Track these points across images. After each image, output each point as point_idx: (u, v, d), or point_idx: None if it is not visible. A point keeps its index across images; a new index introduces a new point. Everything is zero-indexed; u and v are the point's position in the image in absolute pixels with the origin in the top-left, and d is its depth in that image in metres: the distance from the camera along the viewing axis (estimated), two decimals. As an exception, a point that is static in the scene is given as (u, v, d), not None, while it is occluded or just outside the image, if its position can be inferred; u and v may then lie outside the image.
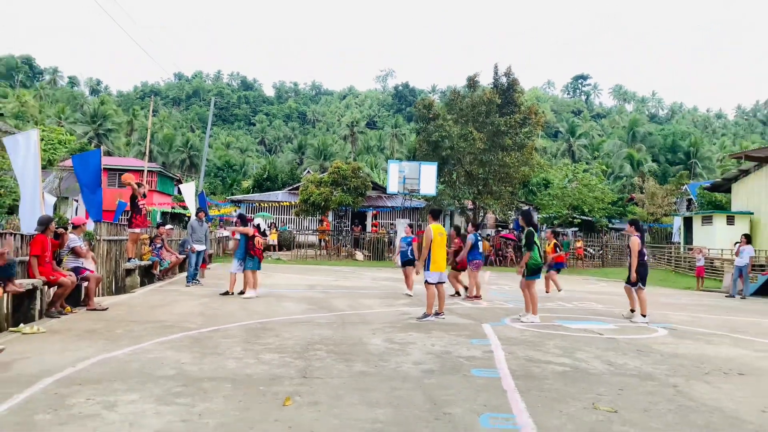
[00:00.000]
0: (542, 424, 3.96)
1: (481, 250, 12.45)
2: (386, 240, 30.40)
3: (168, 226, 17.62)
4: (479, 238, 12.44)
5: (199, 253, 13.40)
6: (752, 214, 24.85)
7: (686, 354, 6.75)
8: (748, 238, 16.10)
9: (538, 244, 9.29)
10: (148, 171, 35.97)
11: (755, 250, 17.33)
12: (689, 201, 40.12)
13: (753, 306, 13.40)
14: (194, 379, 4.90)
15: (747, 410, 4.47)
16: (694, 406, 4.53)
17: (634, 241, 9.50)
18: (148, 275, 13.73)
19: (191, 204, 20.26)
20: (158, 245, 14.64)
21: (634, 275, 9.42)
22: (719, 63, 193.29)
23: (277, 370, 5.29)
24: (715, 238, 24.87)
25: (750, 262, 15.80)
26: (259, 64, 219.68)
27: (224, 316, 8.64)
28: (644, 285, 9.48)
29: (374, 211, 35.98)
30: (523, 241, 9.40)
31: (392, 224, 33.91)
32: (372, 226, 35.33)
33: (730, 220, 25.41)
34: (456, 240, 12.91)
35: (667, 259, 28.55)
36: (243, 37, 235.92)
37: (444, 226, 36.42)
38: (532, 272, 9.23)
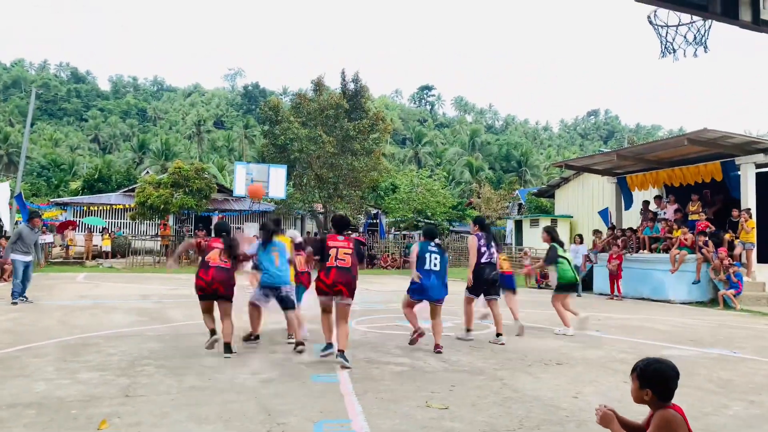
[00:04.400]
0: (376, 426, 3.96)
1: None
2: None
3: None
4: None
5: (27, 264, 11.35)
6: (572, 217, 27.70)
7: (513, 348, 7.23)
8: (581, 238, 17.21)
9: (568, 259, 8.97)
10: (-48, 169, 31.42)
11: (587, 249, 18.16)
12: (520, 205, 43.79)
13: (576, 300, 14.81)
14: (-11, 407, 4.25)
15: (562, 397, 4.86)
16: (517, 397, 4.83)
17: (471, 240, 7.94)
18: (-55, 289, 11.88)
19: (2, 207, 17.88)
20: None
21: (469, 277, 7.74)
22: (547, 80, 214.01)
23: (96, 390, 4.78)
24: (541, 239, 27.33)
25: (584, 260, 16.59)
26: (92, 55, 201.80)
27: (38, 332, 7.69)
28: (474, 293, 7.83)
29: (220, 215, 34.62)
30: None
31: (239, 228, 32.87)
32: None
33: (554, 223, 28.09)
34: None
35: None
36: (74, 24, 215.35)
37: (290, 232, 36.03)
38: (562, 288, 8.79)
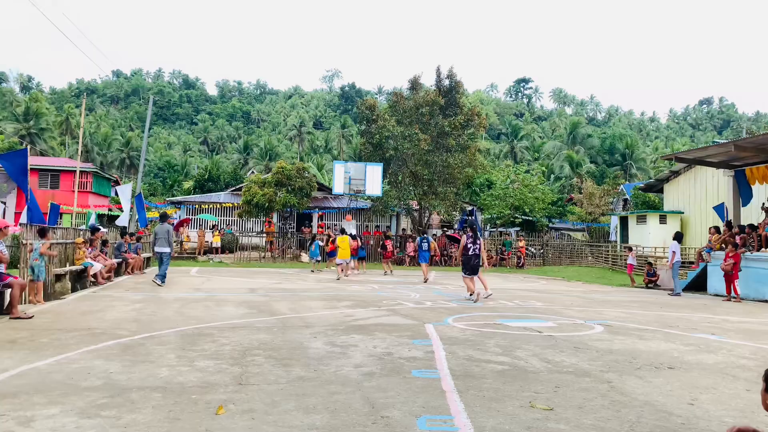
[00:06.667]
0: (479, 424, 3.95)
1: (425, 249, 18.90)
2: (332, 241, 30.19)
3: (103, 230, 16.95)
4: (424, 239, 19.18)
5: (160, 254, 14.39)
6: (682, 213, 26.01)
7: (620, 350, 6.93)
8: (675, 236, 16.41)
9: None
10: (82, 171, 34.55)
11: (680, 247, 17.25)
12: (625, 201, 41.69)
13: (683, 301, 13.96)
14: (122, 389, 4.67)
15: (675, 403, 4.61)
16: (626, 401, 4.63)
17: (462, 239, 13.07)
18: (80, 280, 13.13)
19: (126, 206, 19.55)
20: (93, 249, 14.03)
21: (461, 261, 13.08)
22: (653, 68, 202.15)
23: (212, 378, 5.11)
24: (649, 236, 25.90)
25: (672, 258, 15.84)
26: (201, 62, 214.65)
27: (159, 322, 8.33)
28: (466, 273, 12.73)
29: (320, 212, 35.70)
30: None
31: (336, 225, 33.70)
32: (318, 227, 35.06)
33: (663, 219, 26.51)
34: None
35: (605, 258, 29.54)
36: (185, 34, 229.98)
37: (391, 228, 36.65)
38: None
